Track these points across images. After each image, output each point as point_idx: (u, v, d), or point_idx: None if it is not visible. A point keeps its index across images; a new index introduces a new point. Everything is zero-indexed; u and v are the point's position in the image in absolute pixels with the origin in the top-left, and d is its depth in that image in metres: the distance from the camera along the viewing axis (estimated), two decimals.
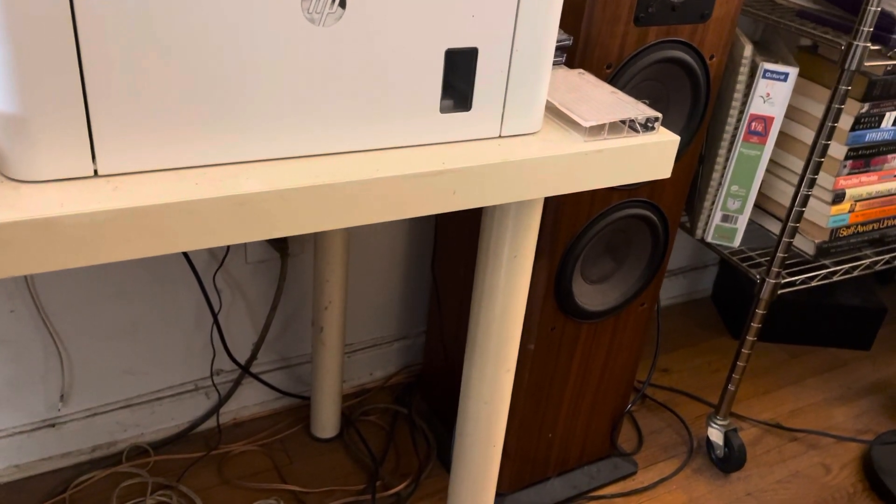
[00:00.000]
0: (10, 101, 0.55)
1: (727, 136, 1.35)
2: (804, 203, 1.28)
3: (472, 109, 0.72)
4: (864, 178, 1.41)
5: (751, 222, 1.46)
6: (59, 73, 0.55)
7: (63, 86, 0.55)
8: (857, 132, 1.35)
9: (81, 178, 0.59)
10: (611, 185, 0.79)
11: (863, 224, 1.46)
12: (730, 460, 1.52)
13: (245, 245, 1.38)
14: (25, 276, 1.21)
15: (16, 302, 1.22)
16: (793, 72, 1.28)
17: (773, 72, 1.28)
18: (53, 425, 1.35)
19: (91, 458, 1.40)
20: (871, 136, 1.37)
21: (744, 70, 1.29)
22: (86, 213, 0.56)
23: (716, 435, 1.53)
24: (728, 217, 1.41)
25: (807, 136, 1.40)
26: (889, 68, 1.31)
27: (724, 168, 1.38)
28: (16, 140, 0.56)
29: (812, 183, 1.27)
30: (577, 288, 1.22)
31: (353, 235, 1.48)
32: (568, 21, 0.99)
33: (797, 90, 1.39)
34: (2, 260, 0.55)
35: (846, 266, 1.45)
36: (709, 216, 1.43)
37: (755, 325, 1.40)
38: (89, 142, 0.58)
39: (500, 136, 0.76)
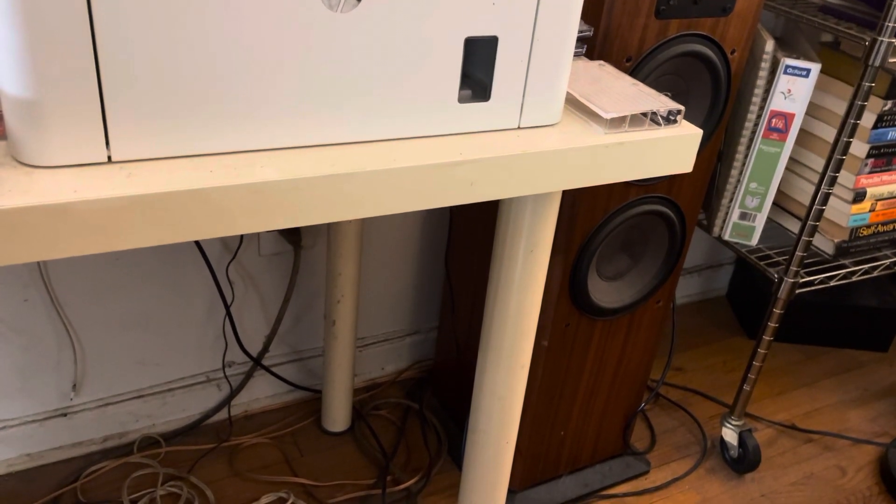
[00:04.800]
0: (23, 86, 0.54)
1: (747, 133, 1.33)
2: (824, 202, 1.27)
3: (491, 100, 0.71)
4: (885, 176, 1.39)
5: (769, 220, 1.44)
6: (73, 57, 0.54)
7: (77, 70, 0.55)
8: (880, 130, 1.33)
9: (95, 164, 0.58)
10: (631, 178, 0.78)
11: (883, 224, 1.44)
12: (744, 461, 1.50)
13: (258, 237, 1.38)
14: (39, 265, 1.21)
15: (29, 291, 1.22)
16: (815, 68, 1.26)
17: (794, 67, 1.26)
18: (65, 415, 1.35)
19: (102, 447, 1.40)
20: (894, 134, 1.35)
21: (765, 65, 1.27)
22: (100, 199, 0.55)
23: (730, 435, 1.52)
24: (746, 215, 1.39)
25: (828, 133, 1.38)
26: None
27: (743, 165, 1.36)
28: (29, 125, 0.56)
29: (833, 181, 1.25)
30: (593, 284, 1.21)
31: (366, 228, 1.47)
32: (588, 12, 0.98)
33: (818, 87, 1.37)
34: (15, 246, 0.54)
35: (866, 266, 1.43)
36: (727, 214, 1.41)
37: (772, 324, 1.38)
38: (103, 127, 0.57)
39: (518, 128, 0.75)
